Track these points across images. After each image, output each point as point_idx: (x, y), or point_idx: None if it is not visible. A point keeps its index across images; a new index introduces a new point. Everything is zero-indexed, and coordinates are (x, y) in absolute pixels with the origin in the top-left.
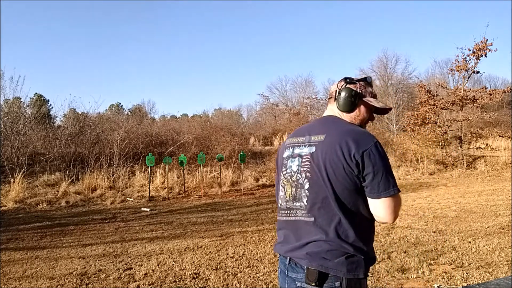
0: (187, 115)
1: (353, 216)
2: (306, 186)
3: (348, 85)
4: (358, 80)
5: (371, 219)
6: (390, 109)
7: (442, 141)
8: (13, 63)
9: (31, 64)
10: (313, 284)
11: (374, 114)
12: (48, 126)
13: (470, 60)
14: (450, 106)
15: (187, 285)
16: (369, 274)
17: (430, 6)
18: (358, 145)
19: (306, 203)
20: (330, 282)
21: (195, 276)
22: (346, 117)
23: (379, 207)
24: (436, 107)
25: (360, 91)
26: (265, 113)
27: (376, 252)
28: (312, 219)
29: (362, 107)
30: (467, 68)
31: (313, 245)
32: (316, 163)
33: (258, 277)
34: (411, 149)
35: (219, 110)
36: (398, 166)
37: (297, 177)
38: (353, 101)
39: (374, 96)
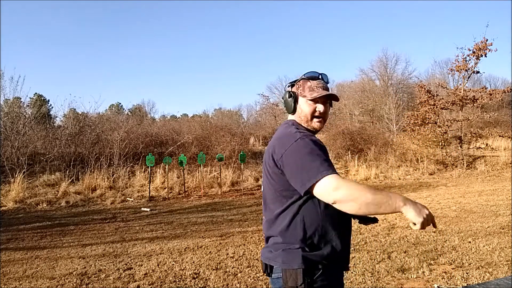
0: (187, 115)
1: (288, 216)
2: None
3: (287, 88)
4: (300, 79)
5: (317, 217)
6: (330, 95)
7: (442, 141)
8: (13, 63)
9: (31, 64)
10: (265, 273)
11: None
12: (48, 126)
13: (470, 60)
14: (450, 106)
15: (187, 285)
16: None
17: (430, 6)
18: (279, 148)
19: (263, 205)
20: (277, 272)
21: (195, 276)
22: (295, 118)
23: (317, 195)
24: (436, 107)
25: (297, 91)
26: (265, 113)
27: (376, 252)
28: (265, 218)
29: (301, 104)
30: (467, 68)
31: (269, 240)
32: (263, 171)
33: (258, 277)
34: (411, 149)
35: (219, 110)
36: (398, 166)
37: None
38: (292, 102)
39: (313, 88)
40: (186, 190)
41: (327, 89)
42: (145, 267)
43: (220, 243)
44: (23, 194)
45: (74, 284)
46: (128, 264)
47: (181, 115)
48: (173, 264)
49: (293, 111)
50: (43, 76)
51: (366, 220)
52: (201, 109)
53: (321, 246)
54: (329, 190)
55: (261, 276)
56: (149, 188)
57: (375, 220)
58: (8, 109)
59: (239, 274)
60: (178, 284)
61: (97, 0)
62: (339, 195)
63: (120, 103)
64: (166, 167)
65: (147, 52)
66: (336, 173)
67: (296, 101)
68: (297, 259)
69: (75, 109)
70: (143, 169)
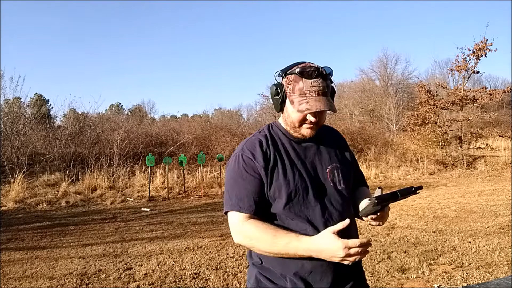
0: (187, 115)
1: None
2: None
3: (277, 78)
4: (292, 72)
5: None
6: (325, 111)
7: (442, 141)
8: (13, 63)
9: (31, 64)
10: None
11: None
12: (48, 126)
13: (470, 60)
14: (450, 106)
15: (187, 285)
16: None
17: (430, 6)
18: None
19: None
20: None
21: (195, 276)
22: (281, 120)
23: None
24: (436, 107)
25: (286, 87)
26: (265, 113)
27: (376, 252)
28: None
29: (288, 108)
30: (467, 68)
31: None
32: None
33: None
34: (411, 149)
35: (219, 110)
36: (398, 166)
37: None
38: (278, 102)
39: (305, 93)
40: (186, 190)
41: (325, 94)
42: (145, 267)
43: (220, 243)
44: (23, 194)
45: (74, 284)
46: (128, 264)
47: (181, 115)
48: (173, 264)
49: (281, 110)
50: (43, 76)
51: (405, 193)
52: (201, 109)
53: (262, 261)
54: (231, 230)
55: None
56: (149, 188)
57: (416, 190)
58: (8, 109)
59: (239, 274)
60: (178, 284)
61: (98, 0)
62: (238, 240)
63: (120, 103)
64: (166, 167)
65: (147, 52)
66: (242, 209)
67: (283, 100)
68: (251, 277)
69: (75, 109)
70: (143, 169)
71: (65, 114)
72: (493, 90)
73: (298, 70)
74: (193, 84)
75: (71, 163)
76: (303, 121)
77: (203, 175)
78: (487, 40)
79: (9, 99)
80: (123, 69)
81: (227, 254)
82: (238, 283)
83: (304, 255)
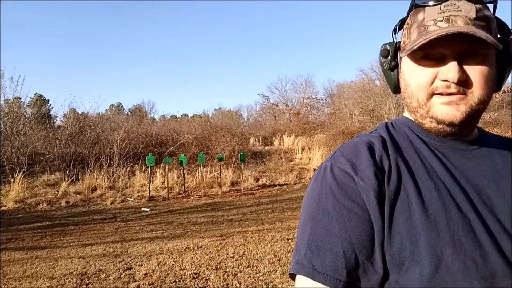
0: (187, 115)
1: None
2: None
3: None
4: (409, 11)
5: None
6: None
7: None
8: (13, 63)
9: (31, 64)
10: None
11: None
12: (48, 126)
13: None
14: None
15: (187, 285)
16: None
17: None
18: None
19: None
20: None
21: (195, 276)
22: (405, 111)
23: None
24: None
25: (402, 38)
26: (265, 113)
27: None
28: None
29: (403, 71)
30: None
31: None
32: None
33: (258, 277)
34: None
35: (219, 110)
36: None
37: None
38: (389, 68)
39: (426, 26)
40: (186, 190)
41: (471, 22)
42: (145, 267)
43: (220, 243)
44: (23, 194)
45: (74, 284)
46: (128, 264)
47: (181, 115)
48: (173, 264)
49: (397, 90)
50: (43, 76)
51: None
52: (201, 109)
53: None
54: None
55: (261, 276)
56: (149, 188)
57: None
58: (8, 109)
59: (239, 274)
60: (178, 284)
61: (98, 0)
62: None
63: (120, 103)
64: (166, 167)
65: (147, 52)
66: (318, 272)
67: (396, 65)
68: None
69: (75, 109)
70: (143, 169)
71: (65, 114)
72: None
73: None
74: (193, 84)
75: (71, 163)
76: (430, 83)
77: (203, 175)
78: None
79: (9, 99)
80: (123, 69)
81: (227, 254)
82: (238, 283)
83: None
